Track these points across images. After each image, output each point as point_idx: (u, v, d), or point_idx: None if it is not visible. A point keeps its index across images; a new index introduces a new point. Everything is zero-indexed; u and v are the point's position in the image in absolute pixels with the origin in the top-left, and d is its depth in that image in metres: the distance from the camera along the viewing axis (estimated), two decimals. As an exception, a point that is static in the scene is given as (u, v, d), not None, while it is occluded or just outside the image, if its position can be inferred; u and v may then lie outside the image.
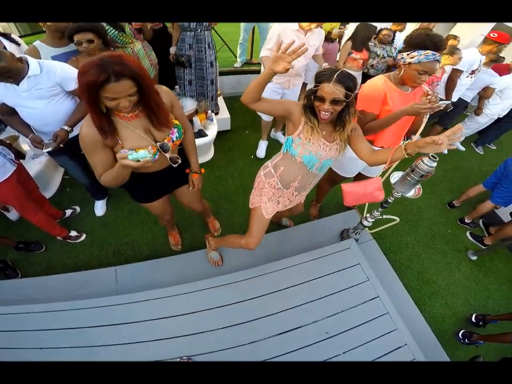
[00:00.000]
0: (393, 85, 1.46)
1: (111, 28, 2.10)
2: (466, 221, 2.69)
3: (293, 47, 0.97)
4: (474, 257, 2.42)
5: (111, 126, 0.99)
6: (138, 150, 0.96)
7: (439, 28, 8.43)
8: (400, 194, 1.48)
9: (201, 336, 1.46)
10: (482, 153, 3.99)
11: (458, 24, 6.07)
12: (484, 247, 2.49)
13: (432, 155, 1.26)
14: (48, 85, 1.46)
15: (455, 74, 2.80)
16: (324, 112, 1.10)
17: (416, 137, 1.48)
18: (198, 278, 1.67)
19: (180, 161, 1.19)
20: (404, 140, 3.25)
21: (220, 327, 1.49)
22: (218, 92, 3.17)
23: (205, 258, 1.89)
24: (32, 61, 1.41)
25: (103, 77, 0.81)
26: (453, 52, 2.55)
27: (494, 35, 2.63)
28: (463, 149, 3.90)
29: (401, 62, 1.38)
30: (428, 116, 1.41)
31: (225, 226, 2.21)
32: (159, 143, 1.09)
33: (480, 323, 1.99)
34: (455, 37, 4.00)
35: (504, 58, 4.73)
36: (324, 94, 1.06)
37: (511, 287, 2.31)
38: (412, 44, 1.34)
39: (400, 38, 4.00)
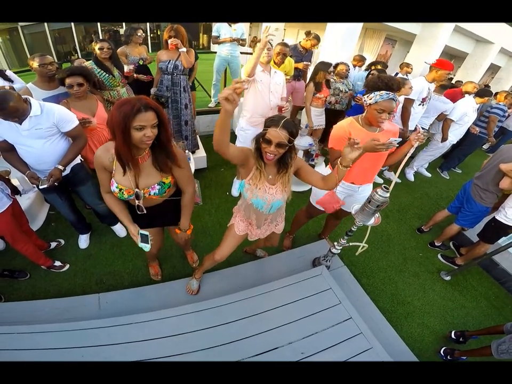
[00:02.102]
0: (359, 125, 1.60)
1: (102, 71, 2.35)
2: (436, 244, 2.81)
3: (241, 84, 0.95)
4: (448, 277, 2.50)
5: (131, 160, 1.13)
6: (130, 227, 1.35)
7: (395, 56, 9.42)
8: (361, 223, 1.61)
9: (182, 357, 1.48)
10: (448, 178, 4.21)
11: (411, 52, 6.82)
12: (456, 267, 2.56)
13: (384, 186, 1.40)
14: (46, 125, 1.56)
15: (408, 104, 2.95)
16: (269, 154, 1.21)
17: (395, 178, 1.58)
18: (177, 305, 1.72)
19: (144, 212, 1.33)
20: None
21: (200, 349, 1.52)
22: (196, 131, 3.37)
23: (183, 287, 1.95)
24: (34, 102, 1.52)
25: (137, 107, 0.99)
26: (403, 83, 2.66)
27: (434, 61, 2.85)
28: (429, 175, 4.11)
29: (364, 104, 1.54)
30: (412, 151, 1.52)
31: (203, 258, 2.26)
32: (137, 190, 1.23)
33: (461, 339, 2.01)
34: (408, 65, 4.45)
35: (461, 82, 5.17)
36: (271, 137, 1.17)
37: (489, 304, 2.37)
38: (369, 86, 1.52)
39: (357, 72, 4.27)
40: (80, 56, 9.78)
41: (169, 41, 2.37)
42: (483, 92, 3.53)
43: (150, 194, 1.26)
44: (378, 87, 1.46)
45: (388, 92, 1.43)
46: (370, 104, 1.50)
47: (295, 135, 1.21)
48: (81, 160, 1.94)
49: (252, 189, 1.34)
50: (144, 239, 1.36)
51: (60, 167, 1.66)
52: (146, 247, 1.36)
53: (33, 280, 2.02)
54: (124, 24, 10.27)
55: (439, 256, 2.74)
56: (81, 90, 1.88)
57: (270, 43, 2.20)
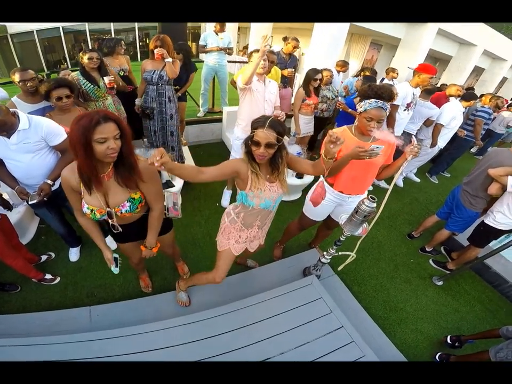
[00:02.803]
0: (351, 134, 1.60)
1: (87, 82, 2.33)
2: (427, 249, 2.81)
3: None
4: (440, 282, 2.50)
5: (94, 178, 1.10)
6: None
7: (381, 60, 9.55)
8: (349, 233, 1.62)
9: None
10: (437, 182, 4.24)
11: (396, 56, 6.85)
12: (448, 272, 2.56)
13: (371, 196, 1.41)
14: (35, 139, 1.53)
15: (392, 110, 2.90)
16: (259, 155, 1.22)
17: (390, 189, 1.57)
18: (168, 317, 1.71)
19: (120, 230, 1.31)
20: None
21: (191, 361, 1.50)
22: (184, 142, 3.33)
23: (174, 299, 1.94)
24: (22, 115, 1.49)
25: (95, 119, 0.97)
26: None
27: (416, 66, 2.87)
28: (418, 180, 4.12)
29: (357, 113, 1.56)
30: (407, 163, 1.50)
31: (193, 270, 2.27)
32: (108, 209, 1.20)
33: (456, 344, 1.99)
34: (393, 70, 4.51)
35: (446, 85, 5.28)
36: (259, 139, 1.18)
37: (483, 308, 2.37)
38: (360, 95, 1.53)
39: (343, 79, 4.30)
40: (69, 65, 9.70)
41: (155, 51, 2.37)
42: (469, 95, 3.58)
43: (121, 213, 1.22)
44: (368, 95, 1.47)
45: (377, 100, 1.44)
46: (360, 112, 1.52)
47: (283, 133, 1.21)
48: (70, 174, 1.93)
49: (258, 194, 1.33)
50: (115, 262, 1.41)
51: (49, 181, 1.64)
52: (116, 270, 1.42)
53: (24, 293, 2.00)
54: (112, 32, 10.27)
55: (430, 261, 2.75)
56: (69, 102, 1.85)
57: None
